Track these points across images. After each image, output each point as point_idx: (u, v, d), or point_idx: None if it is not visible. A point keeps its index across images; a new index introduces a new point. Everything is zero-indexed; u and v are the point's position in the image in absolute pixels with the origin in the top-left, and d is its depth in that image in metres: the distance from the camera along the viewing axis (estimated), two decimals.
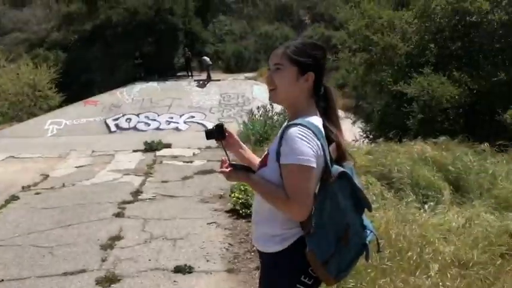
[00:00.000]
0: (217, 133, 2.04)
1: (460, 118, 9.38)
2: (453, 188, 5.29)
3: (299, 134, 1.69)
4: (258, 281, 2.09)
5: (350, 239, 1.77)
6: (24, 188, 6.49)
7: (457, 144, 6.64)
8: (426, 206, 4.77)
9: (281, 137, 1.74)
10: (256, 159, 2.06)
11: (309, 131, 1.71)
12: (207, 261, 4.13)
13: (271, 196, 1.76)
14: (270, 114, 10.22)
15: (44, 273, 3.88)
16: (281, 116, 9.57)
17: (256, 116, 10.52)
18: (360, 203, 1.81)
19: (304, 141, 1.68)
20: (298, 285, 1.77)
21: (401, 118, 9.41)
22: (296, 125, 1.73)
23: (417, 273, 3.41)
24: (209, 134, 2.05)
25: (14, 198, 6.04)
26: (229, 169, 1.82)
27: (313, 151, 1.68)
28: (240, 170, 1.84)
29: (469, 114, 9.56)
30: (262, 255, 1.90)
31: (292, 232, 1.77)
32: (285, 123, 1.86)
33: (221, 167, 1.85)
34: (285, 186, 1.71)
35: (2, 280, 3.75)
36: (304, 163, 1.67)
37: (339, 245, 1.74)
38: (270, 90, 1.85)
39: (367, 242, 1.85)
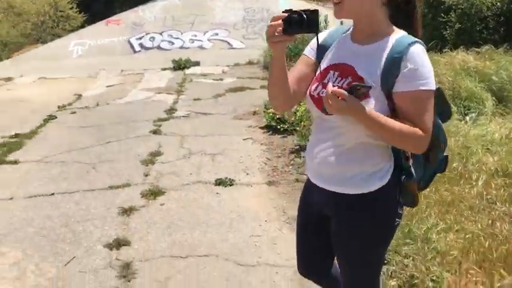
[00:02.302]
0: (309, 23, 1.40)
1: (501, 27, 8.86)
2: (496, 99, 5.12)
3: (424, 53, 1.45)
4: (298, 195, 1.95)
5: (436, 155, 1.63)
6: (60, 108, 6.58)
7: (501, 54, 6.34)
8: (468, 118, 4.66)
9: (399, 59, 1.44)
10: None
11: (424, 48, 1.47)
12: (247, 174, 4.19)
13: (399, 132, 1.45)
14: None
15: (91, 187, 4.02)
16: None
17: None
18: (441, 115, 1.62)
19: (429, 62, 1.46)
20: (396, 219, 1.63)
21: (438, 29, 8.96)
22: (415, 42, 1.45)
23: (461, 183, 3.39)
24: (295, 23, 1.38)
25: (51, 117, 6.15)
26: (343, 94, 1.40)
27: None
28: (357, 100, 1.42)
29: (511, 22, 9.03)
30: (344, 199, 1.61)
31: (389, 164, 1.58)
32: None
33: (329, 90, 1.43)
34: (411, 117, 1.46)
35: (53, 194, 3.90)
36: (433, 87, 1.45)
37: (427, 164, 1.63)
38: (335, 4, 1.51)
39: (447, 155, 1.69)
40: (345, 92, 1.40)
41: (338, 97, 1.40)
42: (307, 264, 1.94)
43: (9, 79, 8.64)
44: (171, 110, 6.38)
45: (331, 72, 1.59)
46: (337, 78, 1.56)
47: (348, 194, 1.60)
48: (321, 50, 1.62)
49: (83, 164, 4.55)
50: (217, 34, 16.55)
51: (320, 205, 1.73)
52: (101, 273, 2.81)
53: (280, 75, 1.56)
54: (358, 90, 1.40)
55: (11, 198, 3.85)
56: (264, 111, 5.49)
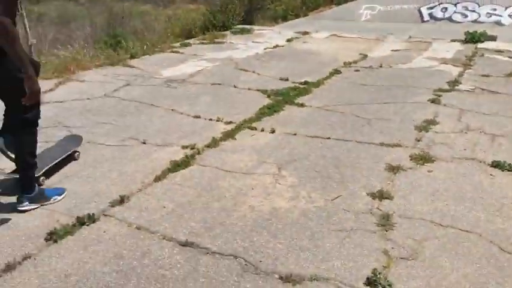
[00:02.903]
0: None
1: None
2: None
3: None
4: None
5: None
6: (345, 64, 7.00)
7: None
8: None
9: None
10: None
11: None
12: None
13: None
14: None
15: (363, 140, 4.24)
16: None
17: None
18: None
19: None
20: None
21: None
22: None
23: None
24: None
25: (336, 71, 6.61)
26: None
27: None
28: None
29: None
30: None
31: None
32: None
33: None
34: None
35: (329, 138, 4.28)
36: None
37: None
38: None
39: None
40: None
41: None
42: None
43: (306, 33, 9.58)
44: (454, 82, 6.06)
45: None
46: None
47: None
48: None
49: (360, 118, 4.81)
50: None
51: None
52: (361, 216, 3.01)
53: None
54: None
55: (295, 134, 4.39)
56: None
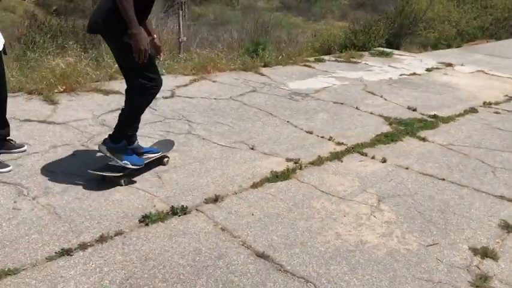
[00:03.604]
0: None
1: None
2: None
3: None
4: None
5: None
6: (485, 104, 6.41)
7: None
8: None
9: None
10: None
11: None
12: None
13: None
14: None
15: (481, 188, 3.85)
16: None
17: None
18: None
19: None
20: None
21: None
22: None
23: None
24: None
25: (472, 110, 6.09)
26: None
27: None
28: None
29: None
30: None
31: None
32: None
33: None
34: None
35: (444, 179, 3.97)
36: None
37: None
38: None
39: None
40: None
41: None
42: None
43: (449, 65, 8.97)
44: None
45: None
46: None
47: None
48: None
49: (484, 164, 4.37)
50: None
51: None
52: (455, 270, 2.74)
53: None
54: None
55: (407, 168, 4.15)
56: None
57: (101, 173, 3.42)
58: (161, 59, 4.06)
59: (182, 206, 3.16)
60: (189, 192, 3.42)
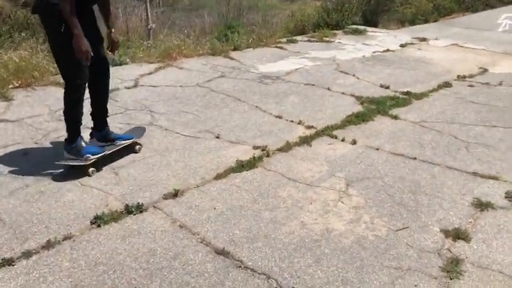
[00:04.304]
0: None
1: None
2: None
3: None
4: None
5: None
6: (459, 78, 6.28)
7: None
8: None
9: None
10: None
11: None
12: None
13: None
14: None
15: (454, 166, 3.73)
16: None
17: None
18: None
19: None
20: None
21: None
22: None
23: None
24: None
25: (446, 85, 5.96)
26: None
27: None
28: None
29: None
30: None
31: None
32: None
33: None
34: None
35: (415, 158, 3.83)
36: None
37: None
38: None
39: None
40: None
41: None
42: None
43: (423, 40, 8.83)
44: None
45: None
46: None
47: None
48: None
49: (458, 139, 4.25)
50: None
51: None
52: (425, 255, 2.61)
53: None
54: None
55: (377, 149, 4.00)
56: None
57: (68, 163, 3.37)
58: (115, 54, 3.97)
59: (138, 203, 2.98)
60: (147, 188, 3.23)
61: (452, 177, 3.54)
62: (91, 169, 3.35)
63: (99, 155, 3.42)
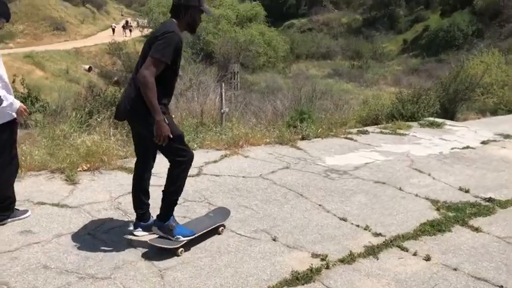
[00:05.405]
0: None
1: None
2: None
3: None
4: None
5: None
6: None
7: None
8: None
9: None
10: None
11: None
12: None
13: None
14: None
15: None
16: None
17: None
18: None
19: None
20: None
21: None
22: None
23: None
24: None
25: None
26: None
27: None
28: None
29: None
30: None
31: None
32: None
33: None
34: None
35: (501, 287, 3.28)
36: None
37: None
38: None
39: None
40: None
41: None
42: None
43: (508, 136, 8.20)
44: None
45: None
46: None
47: None
48: None
49: None
50: None
51: None
52: None
53: None
54: None
55: (455, 269, 3.50)
56: None
57: (159, 245, 3.47)
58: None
59: None
60: None
61: None
62: (180, 249, 3.48)
63: (190, 237, 3.55)
